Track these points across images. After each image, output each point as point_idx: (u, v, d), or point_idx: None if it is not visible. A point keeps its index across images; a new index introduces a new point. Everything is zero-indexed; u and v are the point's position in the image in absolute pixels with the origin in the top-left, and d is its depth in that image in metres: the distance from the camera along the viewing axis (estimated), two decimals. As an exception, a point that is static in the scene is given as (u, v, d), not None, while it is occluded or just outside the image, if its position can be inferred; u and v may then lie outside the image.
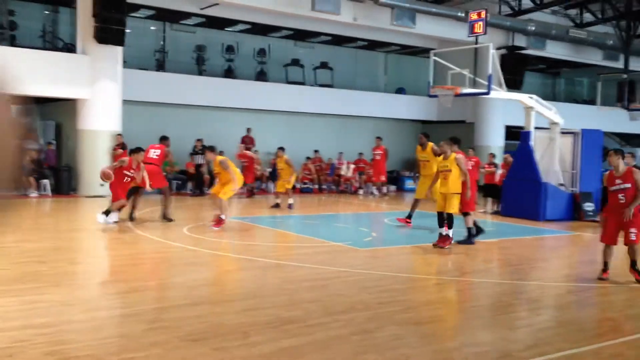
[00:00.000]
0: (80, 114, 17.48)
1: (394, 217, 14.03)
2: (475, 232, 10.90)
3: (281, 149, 16.00)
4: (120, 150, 17.35)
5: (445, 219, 10.05)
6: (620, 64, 23.01)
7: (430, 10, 20.15)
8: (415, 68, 27.30)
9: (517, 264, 9.46)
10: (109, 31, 16.48)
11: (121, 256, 9.26)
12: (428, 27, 21.19)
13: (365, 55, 26.90)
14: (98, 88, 17.20)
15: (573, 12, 24.15)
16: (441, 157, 10.49)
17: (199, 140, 19.55)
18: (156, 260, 8.93)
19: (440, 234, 10.16)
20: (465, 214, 10.70)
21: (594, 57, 25.73)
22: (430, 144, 12.58)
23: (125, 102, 18.12)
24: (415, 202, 12.92)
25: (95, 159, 17.26)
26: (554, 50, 24.47)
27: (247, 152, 18.91)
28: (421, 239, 11.55)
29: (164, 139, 13.63)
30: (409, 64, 27.88)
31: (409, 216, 12.80)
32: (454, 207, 9.89)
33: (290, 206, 15.51)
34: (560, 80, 33.30)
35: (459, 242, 10.51)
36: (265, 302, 6.60)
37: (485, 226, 14.43)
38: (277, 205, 15.73)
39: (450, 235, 10.02)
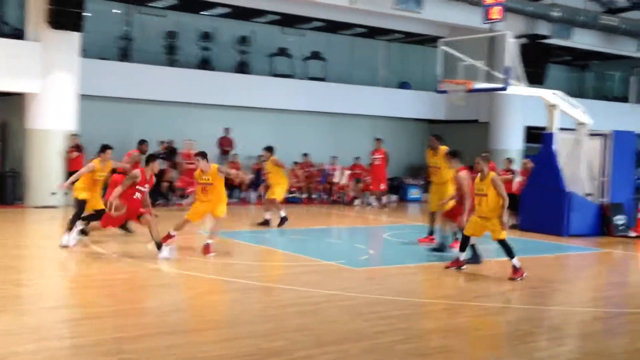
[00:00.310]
0: (29, 111, 17.43)
1: (395, 231, 14.07)
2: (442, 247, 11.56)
3: (268, 149, 15.28)
4: (76, 153, 17.34)
5: (466, 244, 10.20)
6: (657, 56, 23.25)
7: (439, -8, 20.28)
8: (422, 59, 27.40)
9: (538, 286, 9.51)
10: (64, 14, 16.46)
11: (76, 277, 9.24)
12: (436, 12, 21.31)
13: (364, 45, 26.99)
14: (51, 80, 17.16)
15: (603, -5, 24.37)
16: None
17: (164, 142, 19.51)
18: (117, 282, 8.91)
19: (457, 258, 10.20)
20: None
21: (628, 48, 25.94)
22: (443, 148, 12.51)
23: (83, 97, 18.08)
24: (432, 216, 12.88)
25: (45, 163, 17.21)
26: (582, 40, 24.65)
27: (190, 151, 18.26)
28: (426, 258, 11.59)
29: (142, 143, 13.69)
30: (414, 54, 27.99)
31: (431, 232, 12.82)
32: (498, 232, 9.77)
33: (282, 222, 14.57)
34: (588, 75, 33.53)
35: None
36: (244, 331, 6.59)
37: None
38: (266, 223, 14.85)
39: (517, 265, 9.77)
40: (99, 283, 8.77)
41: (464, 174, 10.70)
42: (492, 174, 9.91)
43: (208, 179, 10.88)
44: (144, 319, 6.91)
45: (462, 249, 10.24)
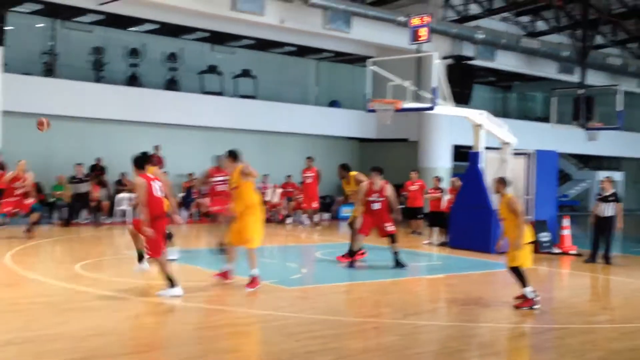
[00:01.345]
0: (-53, 127, 16.73)
1: (327, 249, 14.06)
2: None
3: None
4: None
5: (516, 276, 9.28)
6: (576, 78, 24.14)
7: (368, 14, 20.57)
8: (351, 78, 27.70)
9: (466, 303, 9.63)
10: (-15, 28, 15.92)
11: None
12: (365, 32, 21.60)
13: (294, 63, 27.10)
14: (-29, 96, 16.52)
15: (525, 19, 25.25)
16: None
17: (79, 165, 18.80)
18: (39, 306, 8.55)
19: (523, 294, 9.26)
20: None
21: (548, 70, 26.92)
22: (353, 174, 13.13)
23: (5, 113, 17.49)
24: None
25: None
26: (505, 62, 25.44)
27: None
28: (359, 276, 11.61)
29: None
30: (343, 73, 28.27)
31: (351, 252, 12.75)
32: (516, 259, 9.17)
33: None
34: (511, 95, 34.64)
35: None
36: (172, 355, 6.42)
37: (431, 259, 14.74)
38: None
39: (529, 295, 9.14)
40: (20, 307, 8.40)
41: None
42: (509, 196, 9.30)
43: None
44: (64, 344, 6.63)
45: (524, 284, 9.17)
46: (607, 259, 13.86)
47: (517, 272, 9.18)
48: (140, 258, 9.45)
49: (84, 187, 18.43)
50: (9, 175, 15.03)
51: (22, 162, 15.05)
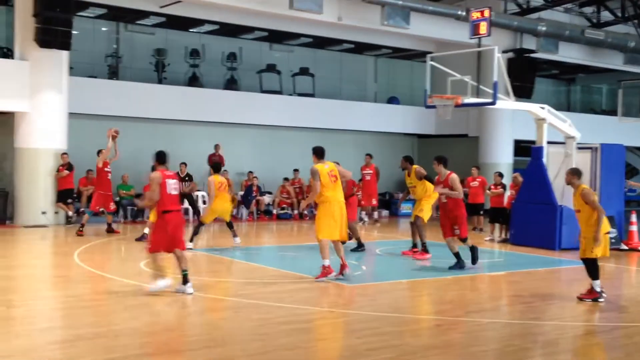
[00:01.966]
0: (18, 130, 17.37)
1: (387, 246, 14.05)
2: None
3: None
4: (67, 172, 17.27)
5: (588, 268, 9.25)
6: (643, 69, 23.45)
7: (427, 9, 20.40)
8: (410, 74, 27.53)
9: (530, 301, 9.49)
10: (52, 33, 16.44)
11: (67, 297, 9.14)
12: (424, 28, 21.42)
13: (352, 60, 27.10)
14: (39, 99, 17.11)
15: (589, 10, 24.58)
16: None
17: (183, 164, 19.13)
18: (108, 302, 8.83)
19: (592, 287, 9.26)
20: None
21: (614, 61, 26.16)
22: (415, 167, 13.15)
23: (72, 115, 18.03)
24: (412, 227, 13.23)
25: (35, 182, 17.13)
26: (568, 54, 24.85)
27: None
28: (420, 273, 11.57)
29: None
30: (402, 69, 28.13)
31: (415, 245, 13.16)
32: (590, 251, 9.06)
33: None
34: (575, 88, 33.80)
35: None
36: (235, 350, 6.54)
37: (493, 256, 14.55)
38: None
39: (596, 288, 9.17)
40: (90, 303, 8.69)
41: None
42: (583, 187, 9.21)
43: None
44: (132, 339, 6.83)
45: (595, 277, 9.16)
46: None
47: (592, 263, 9.14)
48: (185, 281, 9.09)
49: (187, 187, 18.87)
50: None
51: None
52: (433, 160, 12.04)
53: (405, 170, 13.34)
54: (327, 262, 10.08)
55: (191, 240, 13.21)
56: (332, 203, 10.06)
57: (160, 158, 9.44)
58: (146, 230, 13.89)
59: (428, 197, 12.99)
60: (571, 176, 9.43)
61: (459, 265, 11.47)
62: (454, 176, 11.67)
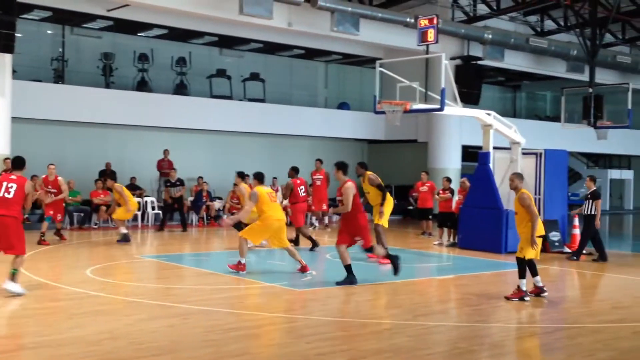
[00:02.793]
0: (-41, 135, 16.87)
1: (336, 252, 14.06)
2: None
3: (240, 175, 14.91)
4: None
5: (521, 267, 9.72)
6: (585, 77, 24.05)
7: (376, 16, 20.58)
8: (359, 80, 27.73)
9: (477, 303, 9.64)
10: (-5, 35, 16.04)
11: (9, 306, 8.91)
12: (373, 34, 21.61)
13: (303, 66, 27.17)
14: (-18, 103, 16.66)
15: (533, 19, 25.16)
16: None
17: (174, 170, 19.20)
18: (52, 310, 8.63)
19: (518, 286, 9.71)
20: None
21: (557, 69, 26.83)
22: (369, 174, 13.21)
23: (15, 119, 17.61)
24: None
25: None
26: (514, 61, 25.38)
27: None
28: (369, 278, 11.62)
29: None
30: (352, 75, 28.31)
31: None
32: (524, 251, 9.63)
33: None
34: (521, 95, 34.55)
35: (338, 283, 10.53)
36: (183, 358, 6.46)
37: (441, 260, 14.73)
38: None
39: (522, 287, 9.64)
40: (33, 312, 8.48)
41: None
42: (522, 191, 9.70)
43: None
44: (76, 349, 6.70)
45: (534, 274, 9.79)
46: (577, 255, 14.37)
47: (529, 264, 9.65)
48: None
49: (177, 191, 18.69)
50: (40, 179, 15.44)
51: (52, 167, 15.31)
52: (333, 166, 11.33)
53: (361, 177, 13.36)
54: (244, 260, 11.29)
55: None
56: (272, 219, 11.28)
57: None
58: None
59: (386, 203, 13.12)
60: (518, 180, 9.88)
61: (348, 280, 10.56)
62: (349, 185, 10.74)
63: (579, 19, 22.30)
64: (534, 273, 9.81)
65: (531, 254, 9.65)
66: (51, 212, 15.21)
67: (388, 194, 13.41)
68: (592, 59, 21.76)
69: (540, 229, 9.70)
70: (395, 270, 10.79)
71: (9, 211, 9.06)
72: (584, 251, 14.71)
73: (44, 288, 9.99)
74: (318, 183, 20.34)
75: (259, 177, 11.82)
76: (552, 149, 16.92)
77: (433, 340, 7.67)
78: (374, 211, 13.41)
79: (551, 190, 16.07)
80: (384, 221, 13.38)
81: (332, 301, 9.64)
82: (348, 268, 10.67)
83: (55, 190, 15.14)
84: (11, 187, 9.08)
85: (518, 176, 10.02)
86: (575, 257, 14.35)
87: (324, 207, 20.45)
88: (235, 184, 16.06)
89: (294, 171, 15.87)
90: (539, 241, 9.70)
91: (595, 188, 14.29)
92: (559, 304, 9.84)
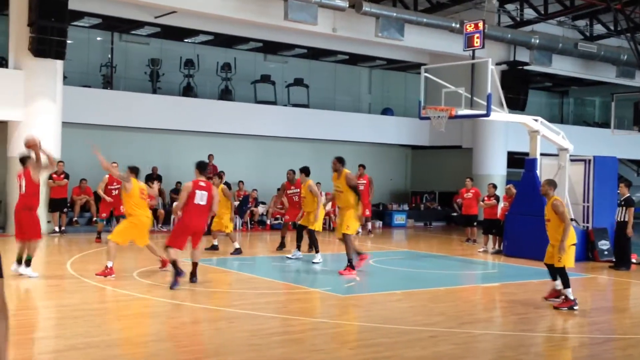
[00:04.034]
0: (11, 139, 17.33)
1: (380, 257, 14.04)
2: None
3: (218, 175, 15.42)
4: (65, 180, 17.39)
5: (554, 272, 9.79)
6: (636, 82, 23.61)
7: (421, 21, 20.51)
8: (404, 86, 27.64)
9: (523, 312, 9.50)
10: (47, 42, 16.45)
11: (59, 307, 9.11)
12: (418, 40, 21.54)
13: (346, 71, 27.19)
14: (33, 108, 17.09)
15: (582, 23, 24.76)
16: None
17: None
18: (100, 312, 8.80)
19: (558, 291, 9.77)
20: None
21: (607, 74, 26.33)
22: (346, 172, 12.06)
23: (66, 124, 18.02)
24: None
25: (29, 191, 17.06)
26: (561, 66, 25.01)
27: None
28: (413, 284, 11.56)
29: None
30: (396, 81, 28.23)
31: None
32: (558, 260, 9.55)
33: (236, 252, 14.48)
34: (568, 100, 33.98)
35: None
36: (229, 361, 6.52)
37: (486, 267, 14.55)
38: (214, 247, 14.93)
39: (570, 296, 9.52)
40: (82, 313, 8.65)
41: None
42: (554, 198, 9.65)
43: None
44: (124, 350, 6.81)
45: (567, 285, 9.53)
46: (627, 265, 14.00)
47: (562, 272, 9.53)
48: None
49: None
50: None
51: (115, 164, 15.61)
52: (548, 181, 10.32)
53: (335, 172, 12.20)
54: (110, 264, 10.86)
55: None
56: (142, 217, 11.23)
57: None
58: (215, 242, 15.01)
59: (351, 208, 11.98)
60: (547, 187, 9.83)
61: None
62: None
63: (630, 23, 21.86)
64: (555, 278, 9.80)
65: (570, 262, 9.56)
66: (104, 215, 15.97)
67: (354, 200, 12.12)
68: (643, 64, 21.32)
69: (572, 237, 9.61)
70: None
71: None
72: (634, 260, 14.37)
73: (92, 290, 10.19)
74: (361, 188, 20.29)
75: (135, 170, 11.38)
76: (602, 155, 16.58)
77: (479, 348, 7.59)
78: (340, 220, 12.28)
79: (600, 198, 15.77)
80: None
81: (375, 307, 9.61)
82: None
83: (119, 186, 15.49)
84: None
85: (550, 183, 9.94)
86: (624, 268, 14.02)
87: (367, 212, 20.41)
88: (284, 187, 15.98)
89: (293, 173, 15.90)
90: (572, 249, 9.61)
91: (629, 194, 13.94)
92: (608, 314, 9.64)
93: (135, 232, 11.11)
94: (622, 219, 13.85)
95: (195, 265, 10.45)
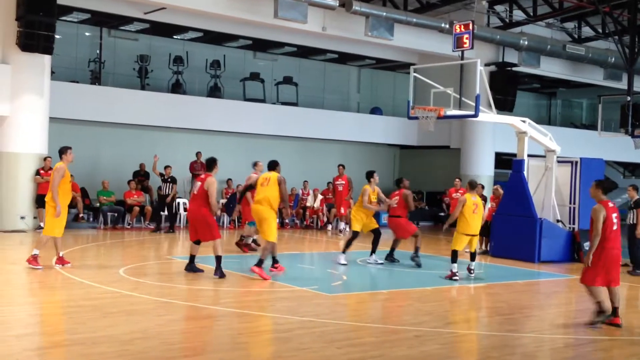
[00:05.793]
0: (-2, 133, 17.22)
1: (366, 257, 14.06)
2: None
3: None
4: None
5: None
6: (623, 85, 23.72)
7: (411, 21, 20.53)
8: (392, 85, 27.68)
9: (509, 312, 9.55)
10: (34, 37, 16.34)
11: (44, 304, 9.07)
12: (407, 39, 21.57)
13: (336, 70, 27.20)
14: (20, 103, 16.97)
15: (570, 25, 24.87)
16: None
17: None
18: (86, 309, 8.75)
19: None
20: None
21: (594, 77, 26.49)
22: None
23: (53, 119, 17.91)
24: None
25: (14, 186, 16.97)
26: (550, 68, 25.12)
27: None
28: (400, 284, 11.60)
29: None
30: (385, 80, 28.26)
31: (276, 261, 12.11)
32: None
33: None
34: (556, 102, 34.15)
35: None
36: (213, 359, 6.51)
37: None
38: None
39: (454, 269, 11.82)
40: (67, 310, 8.62)
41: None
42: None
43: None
44: (109, 347, 6.79)
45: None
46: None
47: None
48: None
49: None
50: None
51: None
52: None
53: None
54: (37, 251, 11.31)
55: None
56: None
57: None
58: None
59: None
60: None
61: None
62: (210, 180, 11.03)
63: (618, 26, 22.00)
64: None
65: (460, 245, 11.78)
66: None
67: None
68: (630, 67, 21.45)
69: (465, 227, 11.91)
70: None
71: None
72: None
73: (78, 287, 10.14)
74: (340, 188, 20.30)
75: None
76: (589, 157, 16.68)
77: (464, 348, 7.63)
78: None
79: (587, 200, 15.78)
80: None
81: (363, 306, 9.63)
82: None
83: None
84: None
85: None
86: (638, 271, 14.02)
87: (342, 210, 20.30)
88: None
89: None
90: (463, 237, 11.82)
91: (638, 197, 14.04)
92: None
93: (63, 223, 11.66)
94: (633, 222, 13.78)
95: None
